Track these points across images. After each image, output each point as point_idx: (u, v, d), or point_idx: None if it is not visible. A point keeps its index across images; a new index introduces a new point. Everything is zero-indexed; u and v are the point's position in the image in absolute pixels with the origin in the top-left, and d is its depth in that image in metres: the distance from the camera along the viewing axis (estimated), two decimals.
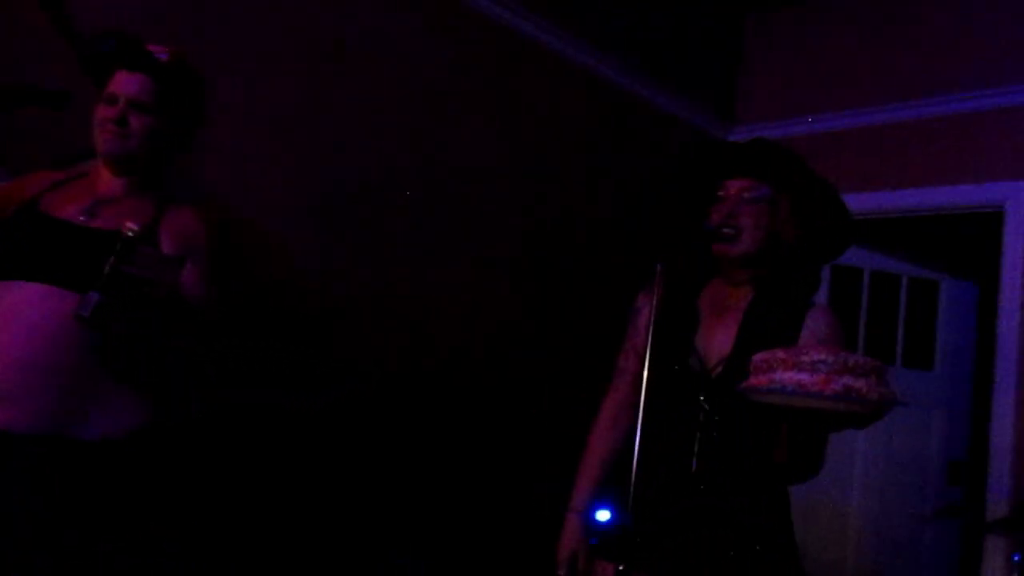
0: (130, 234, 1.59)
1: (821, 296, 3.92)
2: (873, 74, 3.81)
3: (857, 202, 3.76)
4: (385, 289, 2.87)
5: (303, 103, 2.71)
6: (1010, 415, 3.25)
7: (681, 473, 1.84)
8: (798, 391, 1.43)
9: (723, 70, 4.20)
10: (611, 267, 3.34)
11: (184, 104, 1.89)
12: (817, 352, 1.44)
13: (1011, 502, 3.11)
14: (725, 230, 1.86)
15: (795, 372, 1.45)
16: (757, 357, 1.56)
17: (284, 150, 2.66)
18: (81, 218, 1.77)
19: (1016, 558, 2.52)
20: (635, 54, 3.67)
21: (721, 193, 1.91)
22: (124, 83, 1.81)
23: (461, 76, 3.11)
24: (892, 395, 1.43)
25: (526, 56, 3.30)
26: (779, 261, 1.90)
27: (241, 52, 2.58)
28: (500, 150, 3.23)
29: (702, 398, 1.88)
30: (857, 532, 3.75)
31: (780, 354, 1.49)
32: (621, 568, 1.76)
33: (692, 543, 1.87)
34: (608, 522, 2.06)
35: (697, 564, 1.89)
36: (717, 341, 1.90)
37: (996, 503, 3.18)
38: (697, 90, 3.99)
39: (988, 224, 3.48)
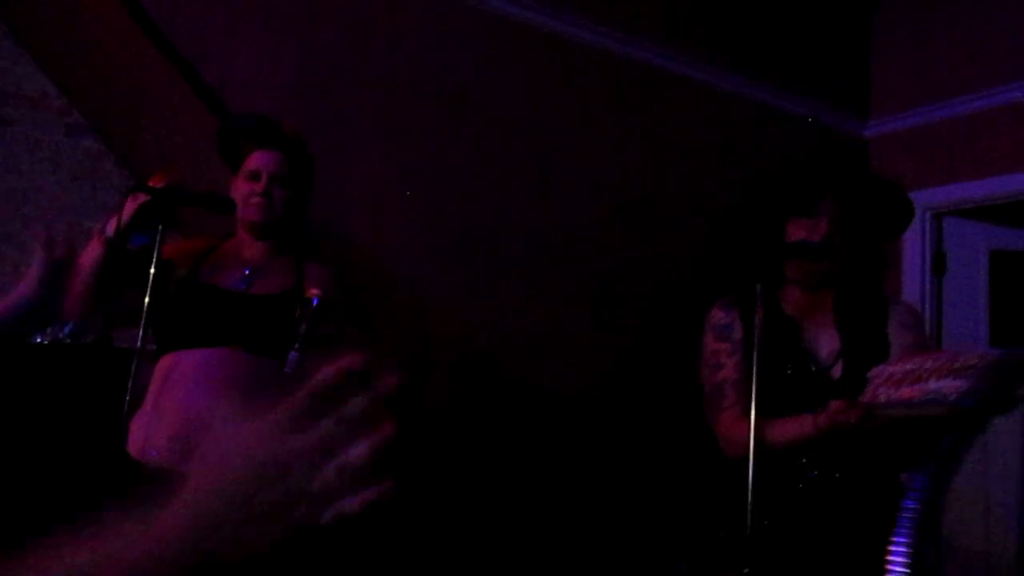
0: (315, 299, 1.82)
1: (981, 283, 3.74)
2: (1008, 48, 3.62)
3: (1008, 183, 3.60)
4: (502, 326, 2.99)
5: (430, 156, 2.90)
6: None
7: (811, 477, 1.86)
8: (965, 399, 1.44)
9: (852, 66, 4.09)
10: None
11: (306, 174, 2.11)
12: (966, 357, 1.47)
13: None
14: (820, 247, 1.91)
15: (951, 379, 1.47)
16: (882, 370, 1.60)
17: (414, 199, 2.85)
18: (242, 286, 1.99)
19: None
20: (762, 65, 3.66)
21: (814, 211, 1.94)
22: (264, 160, 2.06)
23: (580, 113, 3.22)
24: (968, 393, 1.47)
25: (649, 85, 3.38)
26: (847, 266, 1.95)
27: (375, 113, 2.81)
28: (634, 180, 3.31)
29: (826, 401, 1.90)
30: (998, 519, 3.52)
31: (928, 363, 1.52)
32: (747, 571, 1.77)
33: (821, 543, 1.88)
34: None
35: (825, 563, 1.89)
36: (824, 343, 1.95)
37: None
38: (827, 89, 3.91)
39: None
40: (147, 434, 1.89)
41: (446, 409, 2.79)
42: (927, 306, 3.67)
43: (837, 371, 1.93)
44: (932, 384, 1.49)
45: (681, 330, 2.98)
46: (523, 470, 2.94)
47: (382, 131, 2.84)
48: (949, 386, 1.47)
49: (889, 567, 0.50)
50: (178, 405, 1.87)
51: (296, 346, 1.80)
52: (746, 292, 1.90)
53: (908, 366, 1.54)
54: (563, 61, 3.20)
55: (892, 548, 0.51)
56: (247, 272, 2.03)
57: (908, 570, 0.50)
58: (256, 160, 2.06)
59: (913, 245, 3.73)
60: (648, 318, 3.30)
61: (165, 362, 1.94)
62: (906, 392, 1.52)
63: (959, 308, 3.69)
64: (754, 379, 1.69)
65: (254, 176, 2.05)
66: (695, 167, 3.47)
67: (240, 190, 2.05)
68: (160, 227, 1.83)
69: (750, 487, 1.63)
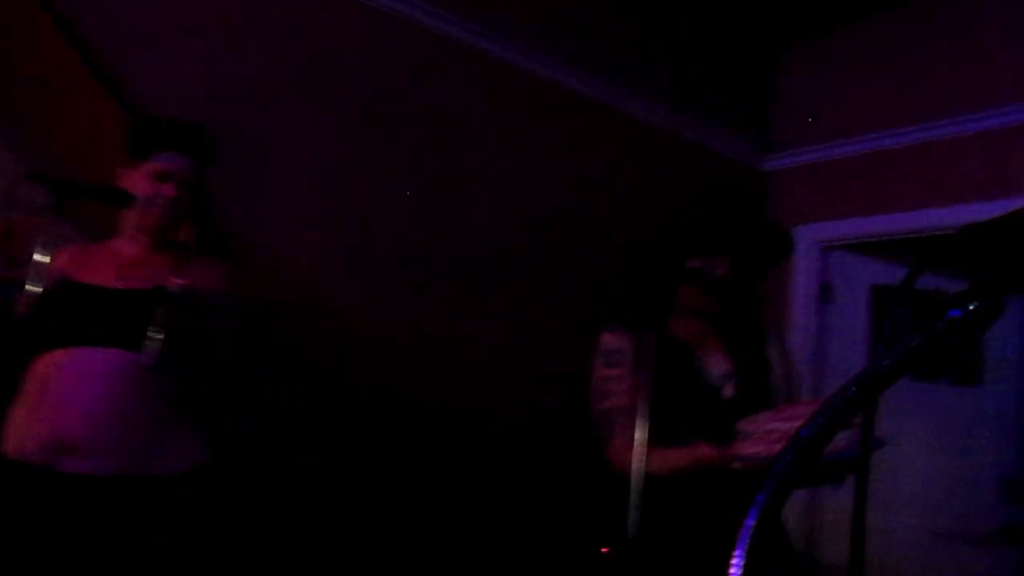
0: (176, 288, 1.82)
1: (862, 315, 3.95)
2: (901, 94, 3.85)
3: (891, 222, 3.83)
4: (420, 339, 3.02)
5: (348, 167, 2.91)
6: None
7: (711, 492, 1.96)
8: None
9: (756, 99, 4.27)
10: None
11: (205, 177, 2.11)
12: (791, 422, 1.68)
13: None
14: (719, 284, 2.03)
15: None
16: (755, 426, 1.78)
17: (331, 211, 2.85)
18: (120, 283, 1.97)
19: None
20: (670, 91, 3.78)
21: (715, 249, 2.07)
22: (178, 165, 2.04)
23: (492, 128, 3.27)
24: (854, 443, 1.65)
25: (562, 105, 3.45)
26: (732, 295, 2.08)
27: (294, 121, 2.79)
28: (544, 198, 3.37)
29: (721, 420, 2.01)
30: (899, 554, 3.73)
31: (794, 424, 1.70)
32: None
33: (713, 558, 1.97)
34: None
35: None
36: (714, 365, 2.06)
37: None
38: (730, 120, 4.07)
39: None
40: (24, 433, 1.87)
41: (363, 425, 2.80)
42: (814, 334, 3.86)
43: (729, 391, 2.05)
44: (778, 447, 1.71)
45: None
46: (443, 485, 2.96)
47: (300, 140, 2.82)
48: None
49: None
50: (55, 404, 1.85)
51: (157, 336, 1.82)
52: (636, 317, 1.99)
53: (778, 425, 1.72)
54: (482, 77, 3.24)
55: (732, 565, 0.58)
56: (124, 268, 2.00)
57: None
58: (168, 162, 2.03)
59: (803, 276, 3.92)
60: (563, 335, 3.37)
61: (42, 362, 1.90)
62: (760, 449, 1.74)
63: (842, 337, 3.89)
64: (645, 403, 1.77)
65: (163, 177, 2.02)
66: (605, 189, 3.57)
67: (142, 188, 2.02)
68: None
69: (633, 506, 1.71)
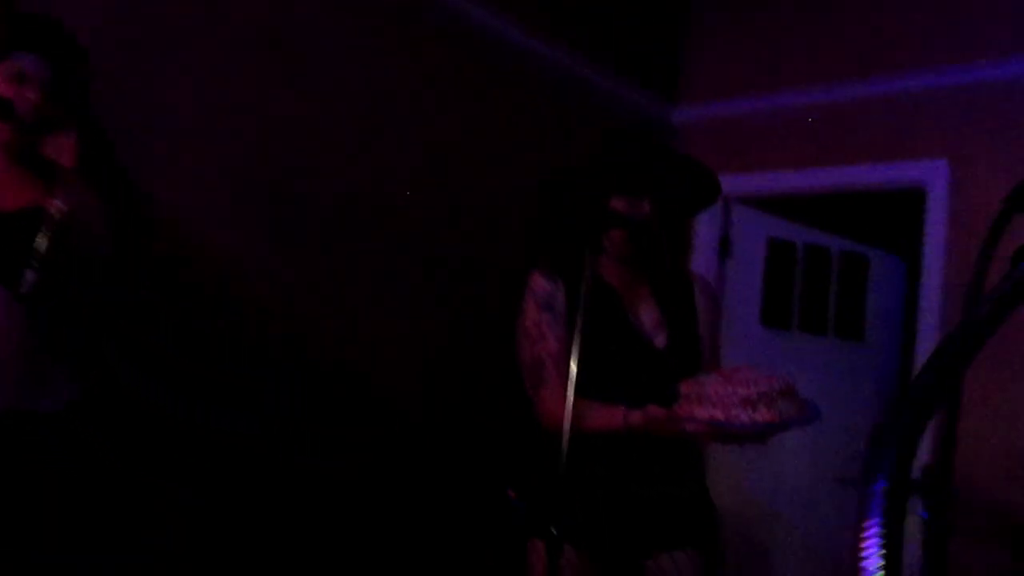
0: (55, 212, 1.67)
1: (758, 268, 4.07)
2: (808, 54, 3.93)
3: (789, 179, 3.94)
4: (305, 291, 2.89)
5: (243, 109, 2.72)
6: None
7: (632, 448, 1.96)
8: (765, 431, 1.72)
9: (666, 51, 4.28)
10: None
11: (77, 90, 1.91)
12: (766, 384, 1.66)
13: (925, 467, 3.28)
14: (642, 224, 1.99)
15: (753, 410, 1.69)
16: (694, 388, 1.76)
17: (223, 155, 2.67)
18: None
19: (923, 515, 2.68)
20: (577, 35, 3.73)
21: (637, 190, 2.03)
22: (33, 64, 1.83)
23: (403, 76, 3.14)
24: (803, 409, 1.73)
25: (471, 49, 3.34)
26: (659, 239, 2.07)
27: (186, 55, 2.58)
28: (436, 147, 3.26)
29: (653, 371, 2.01)
30: (786, 493, 3.93)
31: (737, 389, 1.70)
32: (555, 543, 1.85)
33: (627, 512, 2.00)
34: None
35: (631, 532, 2.01)
36: (644, 314, 2.05)
37: (919, 467, 3.36)
38: (640, 71, 4.07)
39: (913, 200, 3.64)
40: None
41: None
42: (714, 287, 3.95)
43: (660, 341, 2.04)
44: (737, 412, 1.69)
45: (499, 303, 3.03)
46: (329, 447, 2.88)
47: (193, 76, 2.60)
48: (752, 417, 1.68)
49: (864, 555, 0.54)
50: None
51: (33, 264, 1.69)
52: (569, 261, 1.95)
53: (718, 389, 1.71)
54: (387, 20, 3.09)
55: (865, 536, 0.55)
56: None
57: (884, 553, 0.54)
58: (22, 61, 1.83)
59: (705, 228, 4.00)
60: (469, 290, 3.33)
61: None
62: (717, 414, 1.70)
63: (740, 289, 4.00)
64: (576, 350, 1.74)
65: (21, 79, 1.82)
66: (514, 135, 3.51)
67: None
68: None
69: (563, 461, 1.69)
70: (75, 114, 1.91)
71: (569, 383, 1.70)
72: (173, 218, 2.50)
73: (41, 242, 1.68)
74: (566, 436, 1.70)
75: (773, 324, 4.07)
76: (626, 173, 2.02)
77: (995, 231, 1.31)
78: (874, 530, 0.51)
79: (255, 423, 2.59)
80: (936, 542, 2.64)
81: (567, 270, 2.00)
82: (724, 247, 4.05)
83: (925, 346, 3.50)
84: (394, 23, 3.12)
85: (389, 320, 3.08)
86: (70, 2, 2.25)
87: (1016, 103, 3.37)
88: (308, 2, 2.89)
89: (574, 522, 1.94)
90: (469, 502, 3.11)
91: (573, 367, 1.73)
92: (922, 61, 3.59)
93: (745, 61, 4.13)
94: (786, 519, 3.91)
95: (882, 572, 0.49)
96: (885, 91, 3.70)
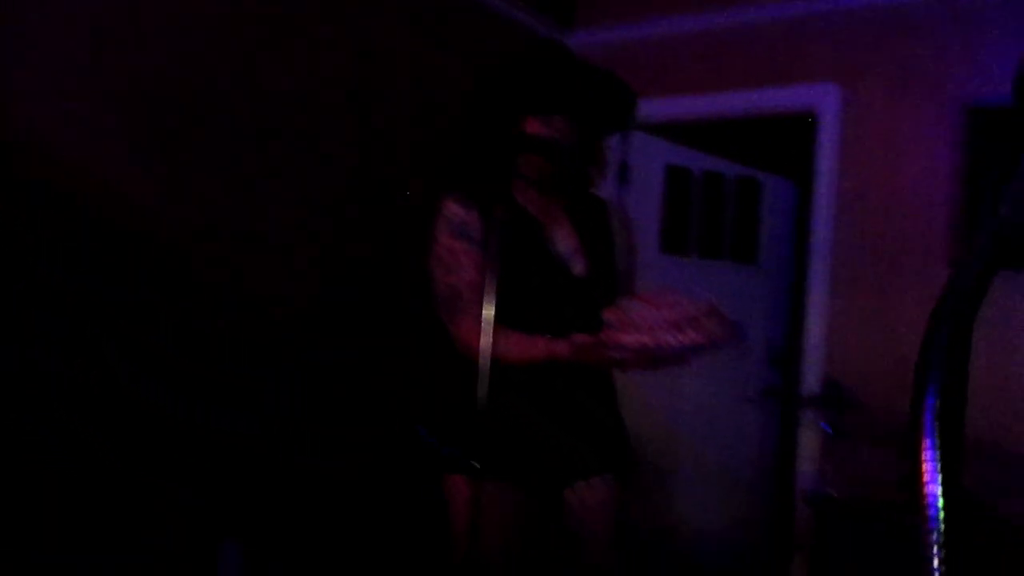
0: None
1: (657, 194, 4.09)
2: None
3: (685, 105, 3.95)
4: (202, 217, 2.74)
5: (125, 18, 2.50)
6: (822, 302, 3.55)
7: (549, 377, 1.93)
8: (691, 352, 1.71)
9: None
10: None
11: None
12: (689, 308, 1.64)
13: (822, 381, 3.43)
14: (557, 145, 1.92)
15: (680, 333, 1.68)
16: (619, 314, 1.72)
17: (104, 70, 2.46)
18: None
19: (825, 427, 2.80)
20: None
21: (551, 109, 1.96)
22: None
23: None
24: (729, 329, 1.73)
25: None
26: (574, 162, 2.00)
27: None
28: (324, 72, 3.10)
29: (573, 299, 1.98)
30: (688, 414, 4.04)
31: (661, 313, 1.68)
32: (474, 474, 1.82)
33: (546, 442, 1.98)
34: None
35: (550, 462, 2.00)
36: (561, 240, 2.00)
37: (809, 383, 3.51)
38: None
39: (805, 125, 3.71)
40: None
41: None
42: None
43: (578, 267, 1.99)
44: (665, 336, 1.67)
45: (407, 230, 2.93)
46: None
47: None
48: (680, 339, 1.68)
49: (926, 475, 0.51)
50: None
51: None
52: (484, 187, 1.87)
53: (645, 314, 1.68)
54: None
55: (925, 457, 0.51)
56: None
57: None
58: None
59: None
60: (371, 217, 3.21)
61: None
62: (645, 339, 1.69)
63: (639, 216, 4.01)
64: (492, 278, 1.69)
65: None
66: (414, 58, 3.38)
67: None
68: None
69: (484, 392, 1.65)
70: None
71: (487, 309, 1.65)
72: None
73: None
74: (484, 366, 1.65)
75: (672, 250, 4.12)
76: (537, 92, 1.94)
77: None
78: (931, 454, 0.47)
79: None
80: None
81: (482, 196, 1.92)
82: (623, 173, 4.03)
83: (817, 267, 3.62)
84: None
85: (289, 245, 2.95)
86: None
87: (906, 27, 3.45)
88: None
89: (494, 455, 1.92)
90: (383, 440, 3.06)
91: (490, 297, 1.68)
92: None
93: None
94: (687, 437, 4.03)
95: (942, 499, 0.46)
96: (777, 15, 3.73)
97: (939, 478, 0.46)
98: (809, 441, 3.44)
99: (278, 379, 2.85)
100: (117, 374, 2.34)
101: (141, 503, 2.04)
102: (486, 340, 1.63)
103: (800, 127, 3.78)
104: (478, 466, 1.78)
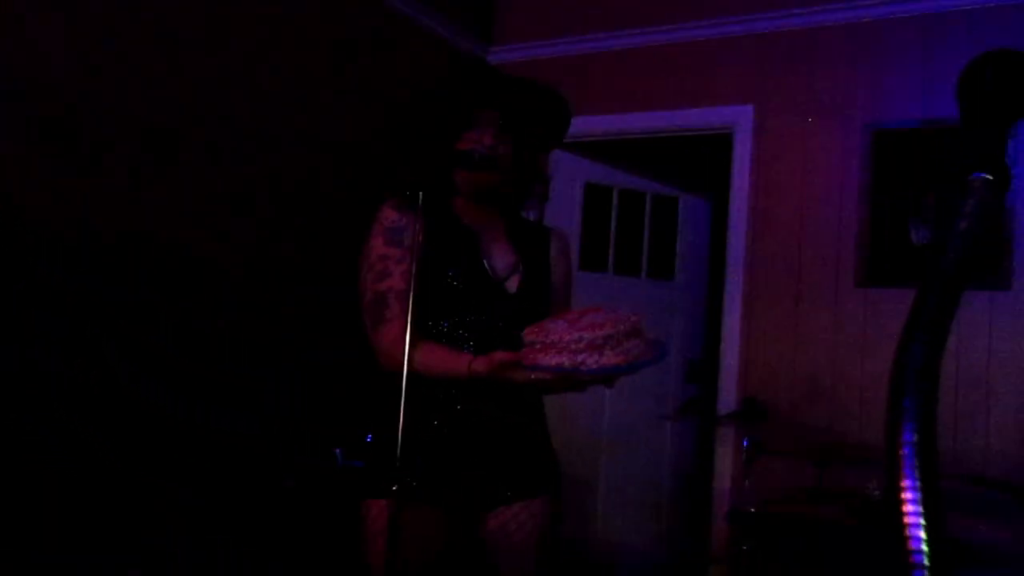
0: None
1: (576, 212, 4.12)
2: (611, 2, 3.97)
3: (604, 123, 3.99)
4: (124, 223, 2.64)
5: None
6: (737, 318, 3.61)
7: (474, 394, 1.89)
8: (608, 371, 1.65)
9: None
10: (370, 194, 3.29)
11: None
12: (609, 325, 1.62)
13: (738, 397, 3.49)
14: (486, 157, 1.90)
15: (598, 354, 1.63)
16: (537, 333, 1.69)
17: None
18: None
19: (745, 443, 2.84)
20: None
21: (476, 122, 1.95)
22: None
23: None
24: (651, 348, 1.68)
25: None
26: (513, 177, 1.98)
27: None
28: (252, 75, 3.04)
29: (503, 316, 1.94)
30: (607, 429, 4.06)
31: (580, 333, 1.64)
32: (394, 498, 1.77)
33: (468, 463, 1.94)
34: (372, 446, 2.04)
35: (472, 484, 1.96)
36: (498, 256, 1.98)
37: (726, 398, 3.56)
38: (457, 10, 3.96)
39: (721, 144, 3.79)
40: None
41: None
42: None
43: (512, 285, 1.97)
44: (584, 358, 1.64)
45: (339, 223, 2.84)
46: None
47: None
48: (600, 362, 1.64)
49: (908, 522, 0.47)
50: None
51: None
52: (421, 197, 1.83)
53: (563, 335, 1.65)
54: None
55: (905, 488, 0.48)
56: None
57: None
58: None
59: None
60: (298, 214, 3.14)
61: None
62: (563, 360, 1.65)
63: None
64: (411, 291, 1.65)
65: None
66: (337, 75, 3.33)
67: None
68: None
69: (402, 405, 1.60)
70: None
71: (410, 318, 1.61)
72: None
73: None
74: (404, 379, 1.61)
75: (589, 267, 4.15)
76: (469, 103, 1.93)
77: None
78: (912, 493, 0.45)
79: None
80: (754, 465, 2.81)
81: (419, 206, 1.87)
82: (543, 191, 4.06)
83: (732, 279, 3.68)
84: None
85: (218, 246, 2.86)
86: None
87: (815, 51, 3.56)
88: None
89: (414, 476, 1.87)
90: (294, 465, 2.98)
91: (412, 308, 1.64)
92: (730, 9, 3.71)
93: (560, 4, 4.11)
94: (607, 452, 4.05)
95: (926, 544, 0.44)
96: (692, 36, 3.81)
97: (922, 521, 0.45)
98: (726, 456, 3.49)
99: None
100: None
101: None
102: (407, 351, 1.59)
103: (717, 144, 3.86)
104: (395, 488, 1.73)
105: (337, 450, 2.71)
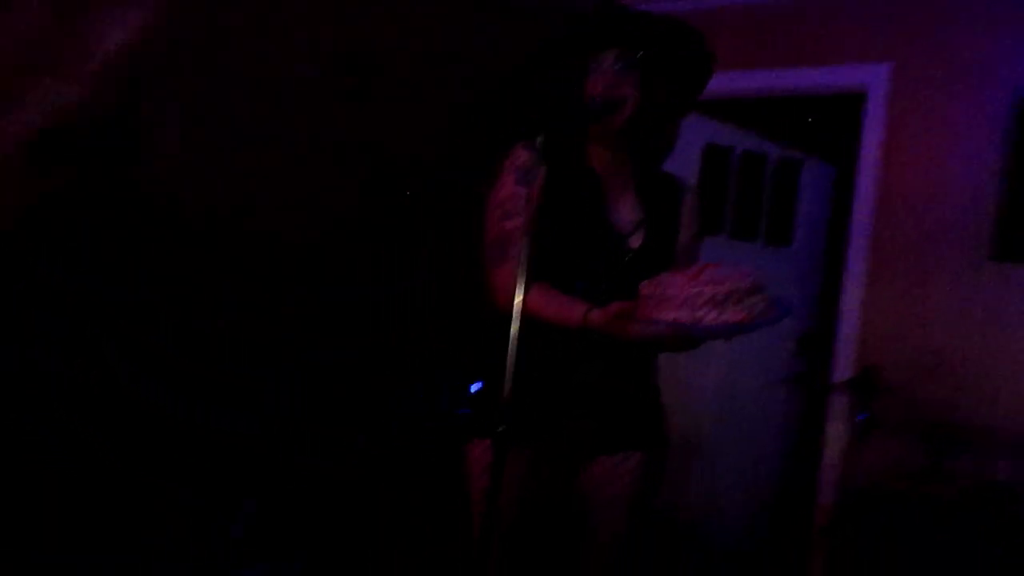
0: None
1: (692, 170, 4.02)
2: None
3: (726, 81, 3.85)
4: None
5: None
6: (858, 288, 3.48)
7: (578, 345, 1.88)
8: (729, 331, 1.60)
9: None
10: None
11: None
12: (729, 284, 1.57)
13: (854, 369, 3.37)
14: (608, 101, 1.86)
15: (718, 311, 1.59)
16: (655, 290, 1.65)
17: None
18: None
19: (859, 417, 2.75)
20: None
21: (594, 65, 1.91)
22: None
23: None
24: (773, 306, 1.65)
25: None
26: (643, 123, 1.93)
27: None
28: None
29: (621, 270, 1.92)
30: (712, 401, 4.00)
31: (702, 289, 1.60)
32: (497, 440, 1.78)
33: (573, 412, 1.94)
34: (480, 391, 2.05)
35: (575, 432, 1.96)
36: (624, 209, 1.94)
37: (841, 370, 3.45)
38: None
39: (848, 107, 3.63)
40: None
41: None
42: None
43: (635, 241, 1.94)
44: (703, 313, 1.59)
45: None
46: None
47: None
48: (720, 318, 1.59)
49: None
50: None
51: None
52: (552, 138, 1.80)
53: (683, 289, 1.61)
54: None
55: None
56: None
57: None
58: None
59: None
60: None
61: None
62: (682, 315, 1.61)
63: None
64: (528, 235, 1.64)
65: None
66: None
67: None
68: None
69: (512, 345, 1.60)
70: None
71: (525, 260, 1.60)
72: None
73: None
74: (516, 320, 1.60)
75: (705, 231, 4.05)
76: (593, 45, 1.88)
77: None
78: None
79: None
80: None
81: (549, 150, 1.83)
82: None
83: (854, 253, 3.54)
84: None
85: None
86: None
87: (959, 10, 3.35)
88: None
89: (518, 420, 1.88)
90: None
91: (527, 248, 1.62)
92: None
93: None
94: (710, 418, 3.99)
95: None
96: None
97: None
98: (837, 429, 3.38)
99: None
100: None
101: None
102: (520, 293, 1.58)
103: (842, 108, 3.70)
104: (499, 430, 1.74)
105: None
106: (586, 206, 1.90)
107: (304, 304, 2.90)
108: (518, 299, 1.64)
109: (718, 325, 1.61)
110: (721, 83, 3.82)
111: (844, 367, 3.44)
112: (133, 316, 2.38)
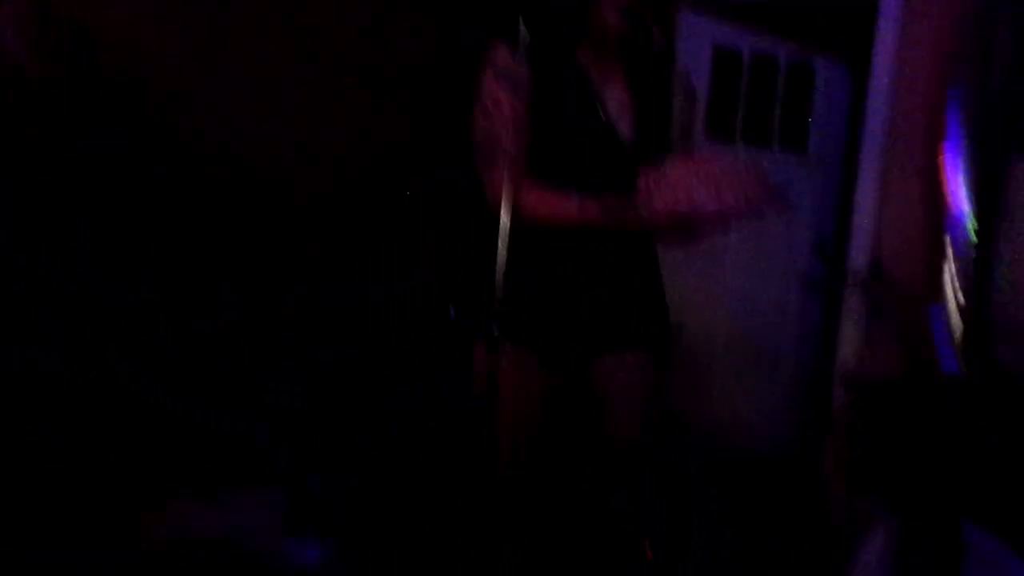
0: None
1: (703, 77, 3.95)
2: None
3: None
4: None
5: None
6: (874, 189, 3.43)
7: (584, 239, 1.87)
8: (707, 219, 1.62)
9: None
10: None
11: None
12: (724, 167, 1.55)
13: (867, 268, 3.34)
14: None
15: (716, 192, 1.56)
16: (651, 178, 1.63)
17: None
18: None
19: (872, 313, 2.73)
20: None
21: None
22: None
23: None
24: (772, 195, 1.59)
25: None
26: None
27: None
28: None
29: (614, 160, 1.90)
30: (729, 303, 3.99)
31: (695, 174, 1.58)
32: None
33: (576, 310, 1.94)
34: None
35: (580, 331, 1.97)
36: (612, 99, 1.92)
37: (855, 268, 3.41)
38: None
39: (864, 3, 3.50)
40: None
41: None
42: None
43: (624, 126, 1.91)
44: (702, 199, 1.57)
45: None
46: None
47: None
48: (717, 202, 1.56)
49: None
50: None
51: None
52: (537, 39, 1.76)
53: (681, 177, 1.59)
54: None
55: None
56: None
57: None
58: None
59: None
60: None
61: None
62: (681, 202, 1.58)
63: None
64: (518, 133, 1.63)
65: None
66: None
67: None
68: None
69: (502, 246, 1.61)
70: None
71: (515, 162, 1.60)
72: None
73: None
74: (506, 221, 1.60)
75: (717, 136, 4.00)
76: None
77: None
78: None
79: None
80: None
81: (535, 44, 1.80)
82: (668, 56, 3.89)
83: (869, 158, 3.47)
84: None
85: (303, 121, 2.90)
86: None
87: None
88: None
89: (516, 320, 1.88)
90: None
91: (519, 152, 1.62)
92: None
93: None
94: (726, 322, 3.99)
95: None
96: None
97: None
98: (850, 325, 3.36)
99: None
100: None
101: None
102: (509, 193, 1.58)
103: (855, 3, 3.58)
104: (496, 333, 1.75)
105: (452, 309, 2.72)
106: (573, 98, 1.88)
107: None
108: (506, 199, 1.63)
109: (716, 211, 1.59)
110: None
111: (859, 262, 3.40)
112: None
